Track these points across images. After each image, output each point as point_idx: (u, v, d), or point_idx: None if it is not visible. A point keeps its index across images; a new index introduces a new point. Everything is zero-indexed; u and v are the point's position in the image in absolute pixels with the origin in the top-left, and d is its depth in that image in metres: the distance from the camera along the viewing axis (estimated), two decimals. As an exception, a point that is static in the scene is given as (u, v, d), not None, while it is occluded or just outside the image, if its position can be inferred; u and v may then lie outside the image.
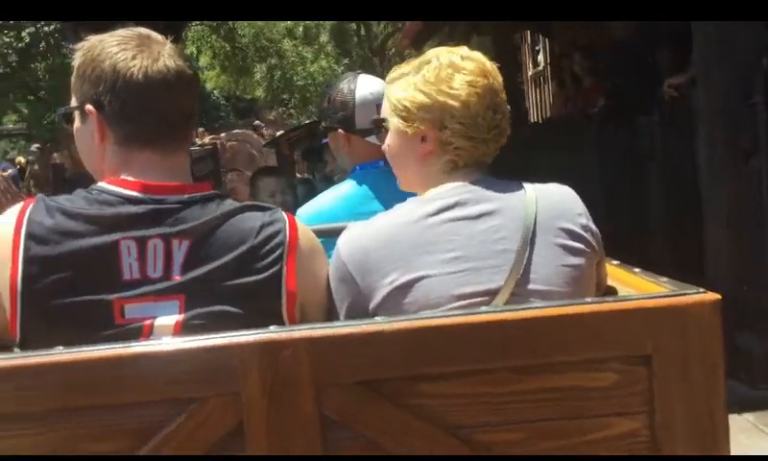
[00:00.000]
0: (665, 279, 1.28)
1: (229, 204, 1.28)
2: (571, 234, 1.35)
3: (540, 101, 10.24)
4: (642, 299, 1.18)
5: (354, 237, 1.36)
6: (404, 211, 1.38)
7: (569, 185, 1.44)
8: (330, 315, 1.38)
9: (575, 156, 4.98)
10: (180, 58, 1.31)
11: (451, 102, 1.39)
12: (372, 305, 1.33)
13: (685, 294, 1.15)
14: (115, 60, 1.27)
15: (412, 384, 1.12)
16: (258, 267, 1.24)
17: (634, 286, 1.39)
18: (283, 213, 1.31)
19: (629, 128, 4.48)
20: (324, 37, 22.23)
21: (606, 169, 4.67)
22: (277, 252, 1.25)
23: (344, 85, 2.16)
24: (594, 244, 1.38)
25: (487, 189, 1.37)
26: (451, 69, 1.40)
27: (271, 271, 1.24)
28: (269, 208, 1.30)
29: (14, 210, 1.25)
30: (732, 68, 3.00)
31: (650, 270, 1.38)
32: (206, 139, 14.27)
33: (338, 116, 2.14)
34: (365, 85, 2.14)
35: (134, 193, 1.25)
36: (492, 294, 1.29)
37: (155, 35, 1.33)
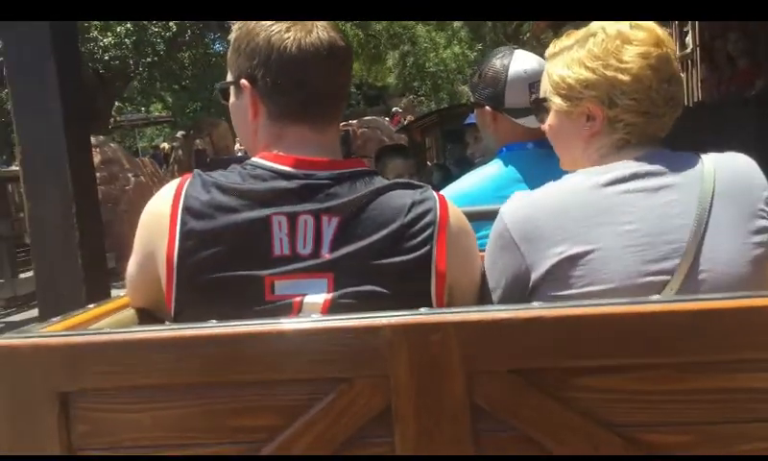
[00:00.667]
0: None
1: (380, 180, 1.26)
2: (754, 210, 1.26)
3: (689, 85, 9.76)
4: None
5: (521, 204, 1.31)
6: (576, 180, 1.31)
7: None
8: (480, 299, 1.34)
9: (731, 142, 4.65)
10: (334, 31, 1.29)
11: (621, 76, 1.31)
12: (535, 277, 1.27)
13: None
14: (269, 33, 1.26)
15: (569, 376, 1.06)
16: (408, 246, 1.21)
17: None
18: (434, 192, 1.28)
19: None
20: (457, 23, 22.07)
21: (765, 160, 4.34)
22: (428, 231, 1.22)
23: (497, 61, 2.08)
24: None
25: (664, 163, 1.29)
26: (620, 40, 1.32)
27: (421, 251, 1.21)
28: (419, 186, 1.27)
29: (173, 185, 1.27)
30: None
31: None
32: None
33: (487, 92, 2.07)
34: (519, 62, 2.05)
35: (287, 168, 1.25)
36: (667, 273, 1.22)
37: None
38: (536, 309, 1.07)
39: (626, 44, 1.31)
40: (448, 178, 6.33)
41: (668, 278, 1.22)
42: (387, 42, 21.12)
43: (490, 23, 21.41)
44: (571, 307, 1.08)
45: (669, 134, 1.38)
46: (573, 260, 1.23)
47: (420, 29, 21.77)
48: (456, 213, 1.28)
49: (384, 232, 1.21)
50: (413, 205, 1.23)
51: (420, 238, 1.22)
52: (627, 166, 1.29)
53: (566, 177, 1.33)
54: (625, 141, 1.34)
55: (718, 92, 5.51)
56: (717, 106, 4.95)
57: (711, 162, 1.28)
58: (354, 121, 16.98)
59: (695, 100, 8.55)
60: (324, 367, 1.06)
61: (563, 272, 1.24)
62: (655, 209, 1.24)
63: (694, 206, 1.24)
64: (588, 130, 1.36)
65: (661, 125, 1.34)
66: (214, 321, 1.08)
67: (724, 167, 1.28)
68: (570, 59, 1.36)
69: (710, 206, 1.24)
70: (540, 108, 1.48)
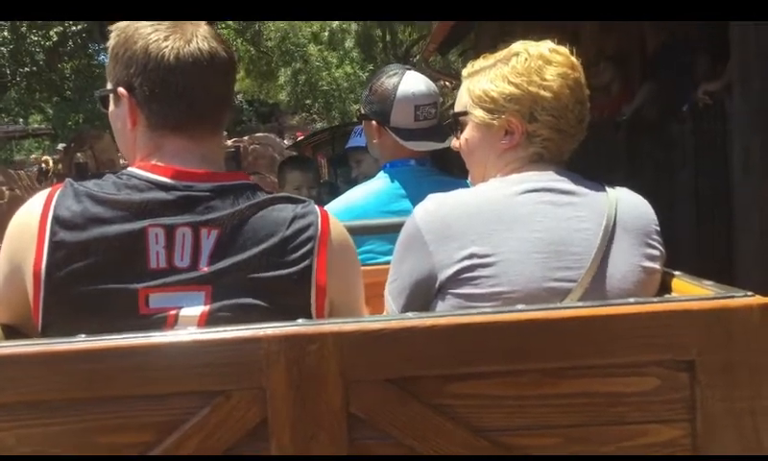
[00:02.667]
0: (710, 282, 1.23)
1: (261, 194, 1.25)
2: (648, 238, 1.35)
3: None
4: (688, 300, 1.13)
5: (433, 205, 1.35)
6: (490, 187, 1.38)
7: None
8: (359, 314, 1.34)
9: (604, 164, 4.91)
10: (215, 40, 1.27)
11: (543, 92, 1.38)
12: (443, 277, 1.30)
13: (733, 297, 1.10)
14: (147, 42, 1.24)
15: (443, 384, 1.08)
16: (288, 260, 1.20)
17: (677, 290, 1.35)
18: (315, 206, 1.27)
19: (660, 136, 4.41)
20: (349, 43, 22.28)
21: (635, 178, 4.59)
22: (308, 245, 1.22)
23: (387, 79, 2.13)
24: (664, 252, 1.38)
25: (572, 181, 1.37)
26: (542, 61, 1.39)
27: (301, 265, 1.21)
28: (301, 201, 1.27)
29: (42, 195, 1.22)
30: (769, 75, 2.93)
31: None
32: (229, 142, 14.35)
33: (375, 107, 2.11)
34: (409, 84, 2.10)
35: (164, 179, 1.22)
36: (571, 281, 1.28)
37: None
38: (410, 319, 1.09)
39: (547, 64, 1.39)
40: (336, 195, 6.34)
41: (572, 285, 1.28)
42: (279, 59, 21.04)
43: (381, 44, 21.72)
44: (444, 317, 1.11)
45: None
46: (482, 261, 1.28)
47: (313, 48, 21.82)
48: (337, 228, 1.28)
49: (264, 246, 1.19)
50: (294, 218, 1.22)
51: (300, 252, 1.21)
52: (539, 179, 1.36)
53: (479, 185, 1.40)
54: (539, 156, 1.40)
55: (593, 117, 5.79)
56: (594, 129, 5.22)
57: (614, 192, 1.38)
58: (246, 137, 16.78)
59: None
60: (198, 380, 1.05)
61: (471, 273, 1.28)
62: (562, 222, 1.31)
63: (599, 224, 1.32)
64: (506, 143, 1.41)
65: (571, 145, 1.42)
66: (83, 335, 1.04)
67: (625, 198, 1.38)
68: (494, 75, 1.42)
69: (614, 228, 1.32)
70: (456, 123, 1.52)
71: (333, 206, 2.11)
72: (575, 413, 1.09)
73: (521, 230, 1.29)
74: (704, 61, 4.69)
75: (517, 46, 1.44)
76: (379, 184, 2.10)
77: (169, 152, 1.26)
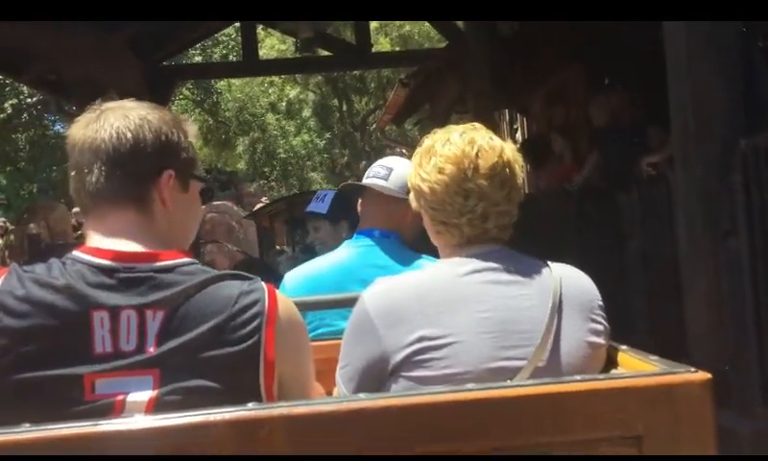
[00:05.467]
0: (655, 357, 1.25)
1: (205, 272, 1.24)
2: (593, 314, 1.37)
3: (519, 177, 10.29)
4: (634, 377, 1.16)
5: (381, 290, 1.36)
6: (436, 269, 1.41)
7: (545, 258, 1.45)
8: (309, 391, 1.34)
9: (556, 230, 5.00)
10: (138, 114, 1.28)
11: (421, 185, 1.42)
12: (394, 361, 1.31)
13: (677, 372, 1.13)
14: (75, 129, 1.28)
15: (397, 466, 1.07)
16: (235, 338, 1.18)
17: (623, 364, 1.37)
18: (262, 283, 1.26)
19: (608, 205, 4.52)
20: (306, 112, 22.51)
21: (586, 247, 4.68)
22: (255, 322, 1.20)
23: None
24: (608, 326, 1.40)
25: (513, 260, 1.38)
26: (428, 154, 1.42)
27: (248, 342, 1.19)
28: (248, 278, 1.26)
29: None
30: (709, 148, 3.03)
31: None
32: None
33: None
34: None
35: (106, 262, 1.21)
36: (520, 359, 1.29)
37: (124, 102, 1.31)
38: (362, 400, 1.10)
39: (431, 156, 1.41)
40: (294, 264, 6.34)
41: (522, 363, 1.29)
42: (237, 129, 21.14)
43: (338, 114, 21.99)
44: (396, 397, 1.12)
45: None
46: (432, 344, 1.28)
47: (270, 117, 21.98)
48: (286, 304, 1.27)
49: (211, 324, 1.18)
50: (240, 295, 1.21)
51: (247, 329, 1.19)
52: (481, 260, 1.37)
53: (426, 267, 1.44)
54: (458, 241, 1.41)
55: (544, 185, 5.92)
56: (544, 197, 5.34)
57: (557, 269, 1.39)
58: (203, 206, 16.68)
59: (525, 191, 9.09)
60: (148, 469, 1.03)
61: (422, 355, 1.29)
62: (508, 300, 1.32)
63: (544, 301, 1.33)
64: (429, 229, 1.47)
65: (470, 233, 1.40)
66: (27, 425, 1.02)
67: (568, 275, 1.39)
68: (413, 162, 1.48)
69: (560, 305, 1.33)
70: None
71: (296, 273, 2.16)
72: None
73: (469, 310, 1.30)
74: (652, 133, 4.85)
75: (433, 135, 1.47)
76: (342, 254, 2.17)
77: (109, 230, 1.26)
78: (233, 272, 1.28)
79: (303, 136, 22.49)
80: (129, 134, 1.25)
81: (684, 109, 3.10)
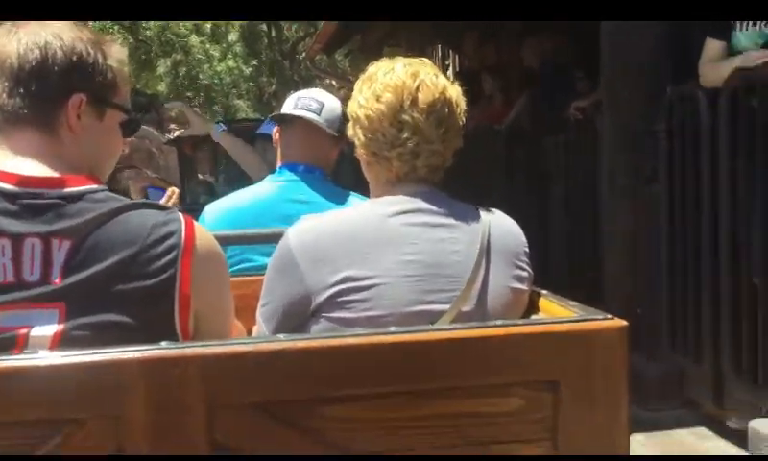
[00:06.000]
0: (574, 303, 1.26)
1: (117, 200, 1.17)
2: (519, 261, 1.37)
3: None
4: (551, 323, 1.17)
5: (307, 227, 1.33)
6: (363, 209, 1.37)
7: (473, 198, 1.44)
8: (227, 329, 1.29)
9: (484, 170, 5.03)
10: (52, 31, 1.19)
11: (358, 112, 1.38)
12: (317, 301, 1.29)
13: (593, 319, 1.14)
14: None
15: (310, 407, 1.06)
16: (149, 271, 1.12)
17: (542, 309, 1.38)
18: (180, 214, 1.20)
19: (535, 147, 4.56)
20: (232, 36, 21.80)
21: (512, 186, 4.73)
22: (171, 254, 1.14)
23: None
24: (531, 273, 1.40)
25: (443, 203, 1.36)
26: (369, 80, 1.39)
27: (163, 275, 1.13)
28: (164, 208, 1.20)
29: None
30: (636, 95, 3.07)
31: (550, 289, 1.38)
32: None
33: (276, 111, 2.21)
34: (305, 89, 2.22)
35: (9, 186, 1.13)
36: (444, 303, 1.28)
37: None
38: (278, 341, 1.06)
39: (371, 83, 1.38)
40: (213, 196, 6.20)
41: (445, 307, 1.28)
42: (158, 49, 20.36)
43: (266, 40, 21.40)
44: (315, 339, 1.09)
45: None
46: (356, 285, 1.26)
47: (194, 39, 21.22)
48: (204, 236, 1.21)
49: (122, 255, 1.11)
50: (154, 226, 1.15)
51: (162, 262, 1.13)
52: (411, 201, 1.34)
53: (354, 205, 1.41)
54: (388, 177, 1.38)
55: (474, 124, 5.92)
56: (473, 135, 5.34)
57: (486, 214, 1.38)
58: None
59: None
60: (50, 408, 0.98)
61: (345, 297, 1.27)
62: (436, 244, 1.30)
63: (471, 246, 1.32)
64: (361, 159, 1.42)
65: (399, 168, 1.36)
66: None
67: (497, 221, 1.38)
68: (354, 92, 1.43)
69: (487, 250, 1.33)
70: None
71: (216, 207, 2.09)
72: (443, 435, 1.09)
73: (395, 252, 1.28)
74: (581, 79, 4.88)
75: (377, 63, 1.43)
76: (265, 188, 2.11)
77: (15, 152, 1.18)
78: (148, 201, 1.22)
79: (229, 62, 21.80)
80: (36, 51, 1.16)
81: (613, 57, 3.12)
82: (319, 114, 2.10)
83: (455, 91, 1.39)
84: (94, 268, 1.11)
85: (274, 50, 21.44)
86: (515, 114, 5.72)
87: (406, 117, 1.34)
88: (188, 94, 22.37)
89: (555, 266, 3.91)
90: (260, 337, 1.30)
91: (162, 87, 22.03)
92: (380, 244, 1.29)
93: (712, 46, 2.68)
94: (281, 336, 1.12)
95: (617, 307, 3.26)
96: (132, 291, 1.11)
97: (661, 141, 2.93)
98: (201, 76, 21.40)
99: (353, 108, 1.40)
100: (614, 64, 3.14)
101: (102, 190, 1.18)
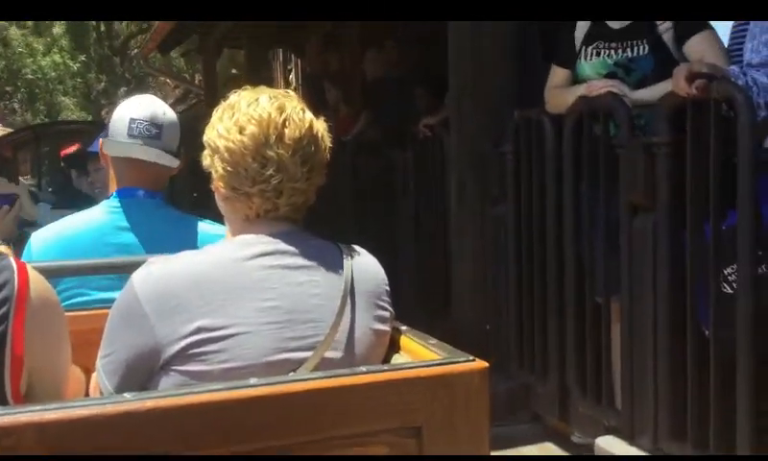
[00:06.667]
0: (434, 340, 1.24)
1: None
2: (381, 301, 1.34)
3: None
4: (416, 367, 1.14)
5: (156, 272, 1.22)
6: (217, 251, 1.28)
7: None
8: (64, 385, 1.18)
9: (330, 182, 4.95)
10: None
11: (217, 142, 1.29)
12: (168, 353, 1.18)
13: (456, 362, 1.13)
14: None
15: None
16: None
17: (403, 348, 1.33)
18: (12, 260, 1.11)
19: (383, 161, 4.56)
20: (57, 29, 20.45)
21: (359, 199, 4.70)
22: (3, 308, 1.06)
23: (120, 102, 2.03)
24: (393, 312, 1.37)
25: (303, 243, 1.29)
26: (231, 110, 1.30)
27: None
28: None
29: None
30: (484, 115, 3.13)
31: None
32: None
33: (105, 131, 1.98)
34: (133, 101, 1.99)
35: None
36: (305, 350, 1.22)
37: None
38: (125, 401, 0.96)
39: (233, 112, 1.29)
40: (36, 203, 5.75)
41: (307, 354, 1.21)
42: (-25, 41, 18.79)
43: (95, 34, 20.28)
44: (165, 397, 0.99)
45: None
46: (211, 336, 1.18)
47: (15, 31, 19.72)
48: (39, 284, 1.12)
49: None
50: None
51: None
52: (269, 241, 1.27)
53: (207, 247, 1.30)
54: (249, 214, 1.30)
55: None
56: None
57: (347, 254, 1.32)
58: None
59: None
60: None
61: (199, 348, 1.17)
62: (295, 287, 1.24)
63: (333, 289, 1.26)
64: (218, 192, 1.32)
65: (260, 205, 1.29)
66: None
67: (358, 262, 1.32)
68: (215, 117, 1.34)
69: (351, 293, 1.27)
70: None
71: (42, 235, 1.91)
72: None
73: (253, 298, 1.21)
74: (424, 95, 4.95)
75: (240, 92, 1.34)
76: (99, 214, 1.92)
77: None
78: None
79: (54, 56, 20.44)
80: None
81: (462, 77, 3.17)
82: (160, 139, 1.93)
83: (321, 127, 1.33)
84: None
85: (103, 45, 20.34)
86: (360, 127, 5.73)
87: (271, 153, 1.26)
88: (8, 89, 20.80)
89: (405, 284, 3.92)
90: (105, 397, 1.15)
91: (-21, 81, 20.34)
92: (237, 290, 1.20)
93: (558, 73, 2.76)
94: (128, 395, 0.99)
95: (467, 325, 3.33)
96: None
97: (508, 162, 3.00)
98: (23, 70, 19.91)
99: (212, 136, 1.30)
100: (463, 83, 3.19)
101: None
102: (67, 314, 1.24)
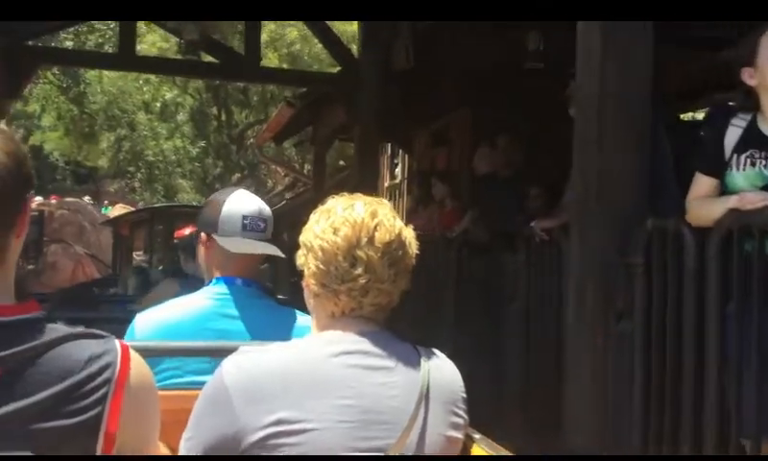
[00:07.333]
0: (505, 452, 1.32)
1: (55, 330, 1.13)
2: (456, 407, 1.39)
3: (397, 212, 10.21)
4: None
5: (244, 364, 1.32)
6: (303, 346, 1.38)
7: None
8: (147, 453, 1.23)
9: (433, 279, 4.78)
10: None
11: (312, 242, 1.39)
12: (248, 441, 1.26)
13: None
14: None
15: None
16: (77, 408, 1.10)
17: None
18: (117, 342, 1.18)
19: (491, 262, 4.32)
20: (182, 117, 21.55)
21: (464, 301, 4.46)
22: (101, 390, 1.12)
23: (219, 194, 2.17)
24: (467, 419, 1.43)
25: (385, 344, 1.37)
26: (328, 213, 1.40)
27: (89, 413, 1.10)
28: (102, 336, 1.18)
29: None
30: (610, 223, 2.87)
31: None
32: (34, 204, 13.11)
33: (204, 219, 2.11)
34: (239, 196, 2.11)
35: None
36: (379, 450, 1.28)
37: None
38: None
39: (329, 215, 1.39)
40: (146, 285, 5.83)
41: (380, 454, 1.28)
42: (104, 123, 19.94)
43: (215, 123, 21.24)
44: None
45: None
46: (289, 428, 1.26)
47: (142, 116, 20.90)
48: (139, 368, 1.19)
49: (53, 390, 1.08)
50: (90, 359, 1.12)
51: (92, 398, 1.11)
52: (353, 340, 1.35)
53: (295, 341, 1.40)
54: (335, 311, 1.38)
55: (430, 231, 5.71)
56: (430, 243, 5.10)
57: (426, 358, 1.38)
58: (54, 201, 15.45)
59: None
60: None
61: (276, 439, 1.26)
62: (374, 388, 1.31)
63: (410, 392, 1.32)
64: (307, 288, 1.42)
65: (347, 303, 1.37)
66: None
67: (436, 367, 1.38)
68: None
69: (425, 397, 1.33)
70: None
71: (145, 319, 2.00)
72: None
73: (332, 396, 1.28)
74: (538, 195, 4.73)
75: (338, 197, 1.44)
76: (201, 300, 2.02)
77: None
78: (88, 331, 1.18)
79: (176, 141, 21.49)
80: None
81: (587, 178, 2.93)
82: (266, 232, 2.06)
83: (409, 234, 1.42)
84: (23, 402, 1.07)
85: (222, 134, 21.26)
86: (466, 224, 5.55)
87: (361, 253, 1.35)
88: (130, 169, 21.91)
89: (510, 401, 3.61)
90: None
91: (104, 161, 21.52)
92: (318, 386, 1.29)
93: (704, 183, 2.46)
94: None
95: (580, 444, 3.00)
96: (58, 429, 1.08)
97: (637, 276, 2.70)
98: (145, 152, 21.00)
99: (308, 237, 1.40)
100: (588, 187, 2.94)
101: (40, 318, 1.14)
102: (161, 393, 1.29)
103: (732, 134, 2.41)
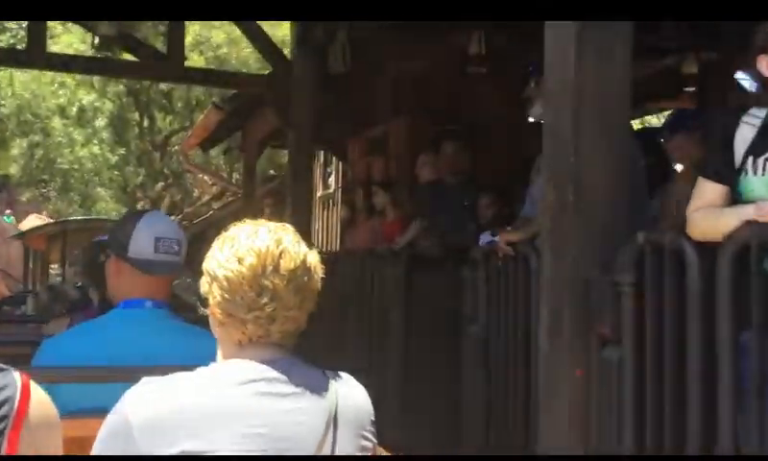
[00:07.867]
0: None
1: None
2: (364, 431, 1.43)
3: (328, 224, 9.92)
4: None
5: (146, 396, 1.34)
6: (209, 375, 1.38)
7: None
8: None
9: (378, 298, 4.42)
10: None
11: (216, 272, 1.39)
12: None
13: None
14: None
15: None
16: None
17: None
18: (16, 376, 1.20)
19: (445, 279, 3.96)
20: (100, 122, 20.57)
21: (414, 323, 4.10)
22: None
23: (131, 215, 2.21)
24: (375, 442, 1.45)
25: (293, 370, 1.39)
26: (231, 241, 1.40)
27: None
28: (1, 369, 1.19)
29: None
30: (590, 236, 2.55)
31: None
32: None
33: (114, 240, 2.08)
34: (151, 218, 2.10)
35: None
36: None
37: None
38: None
39: (234, 244, 1.38)
40: (58, 303, 5.31)
41: (366, 454, 1.37)
42: (15, 129, 18.89)
43: (137, 129, 20.39)
44: None
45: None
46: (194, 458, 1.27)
47: (57, 121, 19.88)
48: (40, 402, 1.21)
49: None
50: None
51: None
52: (260, 369, 1.36)
53: (200, 370, 1.37)
54: (242, 340, 1.38)
55: (374, 244, 5.37)
56: (374, 257, 4.76)
57: (335, 382, 1.41)
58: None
59: (335, 240, 8.65)
60: None
61: None
62: (281, 415, 1.33)
63: (317, 417, 1.35)
64: (214, 317, 1.42)
65: (253, 331, 1.37)
66: None
67: (345, 390, 1.41)
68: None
69: (335, 422, 1.35)
70: None
71: (57, 346, 2.03)
72: None
73: (239, 424, 1.30)
74: (490, 204, 4.43)
75: (240, 224, 1.44)
76: (109, 324, 2.04)
77: None
78: None
79: (93, 148, 20.49)
80: None
81: (561, 187, 2.61)
82: (179, 255, 2.06)
83: (314, 259, 1.44)
84: None
85: (144, 140, 20.41)
86: (412, 234, 5.25)
87: (267, 283, 1.37)
88: (44, 178, 20.85)
89: (469, 435, 3.25)
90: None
91: (15, 169, 20.43)
92: (223, 416, 1.31)
93: (709, 190, 2.16)
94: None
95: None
96: None
97: (627, 296, 2.39)
98: (59, 160, 19.98)
99: (212, 265, 1.40)
100: (562, 197, 2.62)
101: None
102: (63, 420, 1.30)
103: (746, 133, 2.11)
